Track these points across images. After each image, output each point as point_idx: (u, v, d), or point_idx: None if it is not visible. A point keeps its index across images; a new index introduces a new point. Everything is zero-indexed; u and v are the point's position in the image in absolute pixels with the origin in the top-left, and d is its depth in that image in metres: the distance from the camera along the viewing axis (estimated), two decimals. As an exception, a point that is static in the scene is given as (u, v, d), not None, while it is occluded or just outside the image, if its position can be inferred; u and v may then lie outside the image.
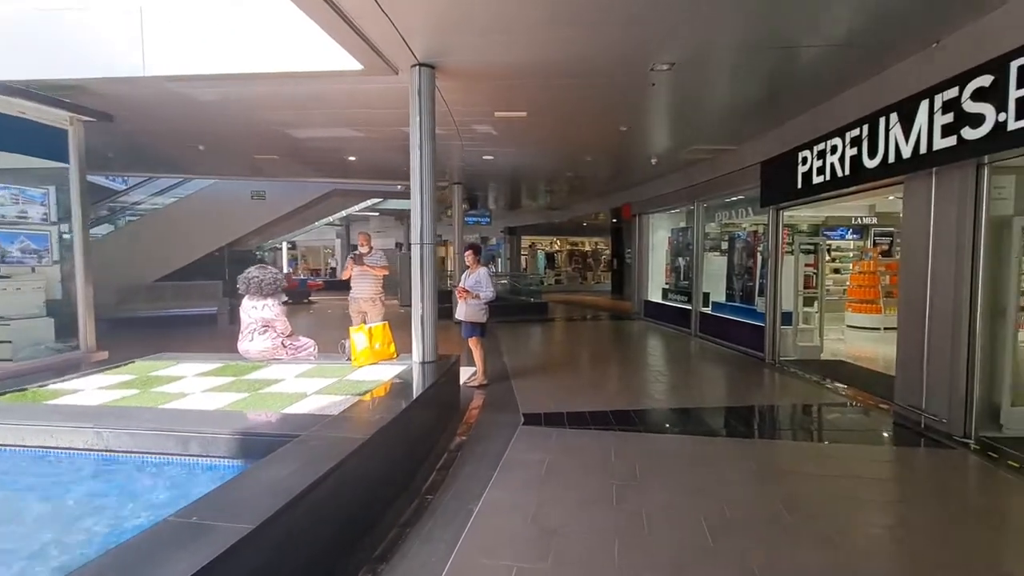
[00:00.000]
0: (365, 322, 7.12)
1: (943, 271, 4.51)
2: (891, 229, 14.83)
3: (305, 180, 11.71)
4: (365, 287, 7.62)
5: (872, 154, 4.99)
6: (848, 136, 5.33)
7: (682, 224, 12.32)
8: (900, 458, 4.20)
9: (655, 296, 12.74)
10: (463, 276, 6.45)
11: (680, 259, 11.66)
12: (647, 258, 13.05)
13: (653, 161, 9.55)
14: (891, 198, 12.66)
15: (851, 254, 14.70)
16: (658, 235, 12.96)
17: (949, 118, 4.03)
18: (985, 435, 4.33)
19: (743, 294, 9.23)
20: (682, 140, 8.22)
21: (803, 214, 12.16)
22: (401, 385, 4.38)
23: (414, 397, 3.96)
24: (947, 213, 4.45)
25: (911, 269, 4.91)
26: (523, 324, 12.30)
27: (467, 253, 6.37)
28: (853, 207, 14.13)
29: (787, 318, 7.76)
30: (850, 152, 5.31)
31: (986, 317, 4.28)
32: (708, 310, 10.14)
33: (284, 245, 34.04)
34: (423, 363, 4.99)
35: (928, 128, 4.26)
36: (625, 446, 4.23)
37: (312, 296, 18.28)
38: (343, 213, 18.20)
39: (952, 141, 4.02)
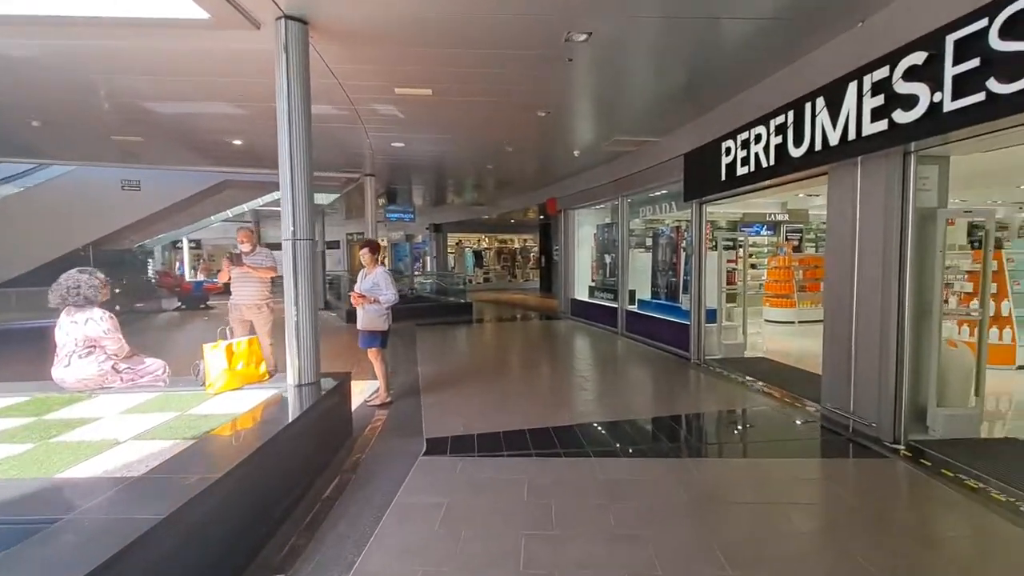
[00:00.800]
0: (252, 333, 6.07)
1: (870, 266, 4.26)
2: (801, 225, 15.50)
3: (190, 168, 10.19)
4: (247, 292, 6.51)
5: (798, 142, 4.68)
6: (773, 124, 5.02)
7: (607, 220, 12.03)
8: (834, 474, 3.86)
9: (582, 294, 12.39)
10: (360, 277, 5.57)
11: (606, 256, 11.34)
12: (573, 255, 12.68)
13: (576, 153, 9.08)
14: (801, 195, 13.14)
15: (765, 250, 15.22)
16: (584, 231, 12.61)
17: (879, 100, 3.73)
18: (914, 439, 4.11)
19: (668, 291, 8.99)
20: (604, 130, 7.77)
21: (721, 210, 12.24)
22: (261, 419, 3.48)
23: (272, 435, 3.09)
24: (874, 205, 4.19)
25: (837, 265, 4.65)
26: (445, 327, 11.50)
27: (362, 251, 5.49)
28: (766, 204, 14.61)
29: (711, 315, 7.54)
30: (775, 141, 5.00)
31: (914, 315, 4.05)
32: (634, 308, 9.86)
33: (186, 243, 30.94)
34: (300, 386, 4.09)
35: (857, 112, 3.95)
36: (542, 476, 3.59)
37: (211, 300, 16.38)
38: (244, 208, 16.44)
39: (883, 125, 3.72)
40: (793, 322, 10.95)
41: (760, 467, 3.92)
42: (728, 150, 5.89)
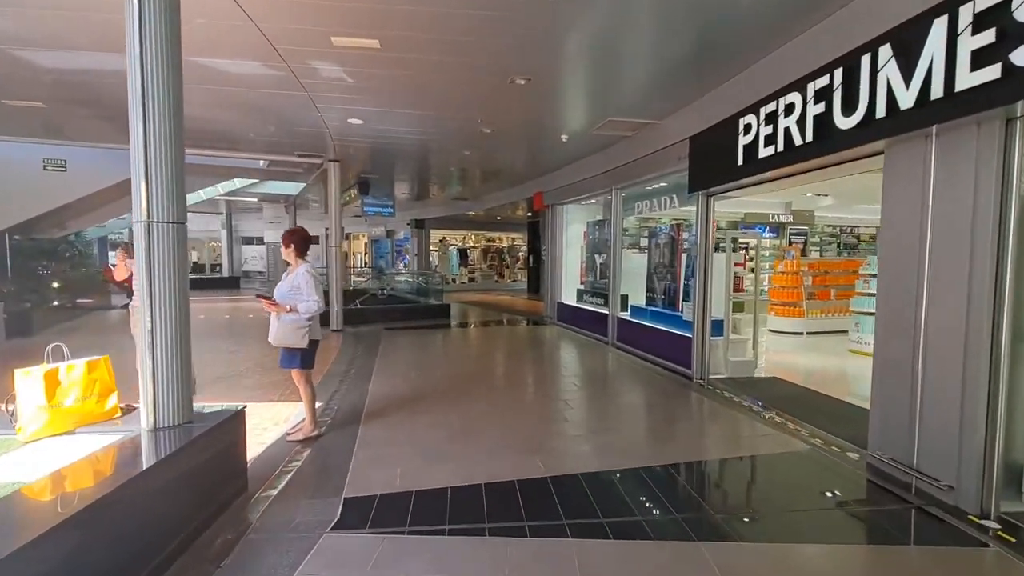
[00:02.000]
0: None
1: (948, 273, 3.15)
2: (806, 228, 14.50)
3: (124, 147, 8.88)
4: (154, 291, 5.30)
5: (848, 108, 3.57)
6: (812, 88, 3.91)
7: (599, 216, 10.90)
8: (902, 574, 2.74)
9: (569, 298, 11.25)
10: (284, 277, 4.38)
11: (596, 256, 10.21)
12: (560, 255, 11.54)
13: (564, 138, 7.93)
14: (809, 194, 12.11)
15: (767, 253, 14.20)
16: (573, 229, 11.48)
17: (987, 37, 2.62)
18: (1008, 511, 3.01)
19: (665, 298, 7.87)
20: (596, 109, 6.64)
21: (722, 209, 11.13)
22: (83, 480, 2.29)
23: (90, 503, 1.90)
24: (957, 191, 3.08)
25: (895, 270, 3.54)
26: (417, 331, 10.31)
27: (283, 242, 4.29)
28: (769, 204, 13.58)
29: (717, 327, 6.44)
30: (814, 110, 3.89)
31: (1013, 339, 2.95)
32: (627, 315, 8.74)
33: (154, 236, 29.37)
34: (155, 430, 2.89)
35: (946, 59, 2.84)
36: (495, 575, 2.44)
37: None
38: (203, 196, 15.10)
39: (991, 73, 2.61)
40: (801, 333, 9.90)
41: (797, 558, 2.79)
42: (748, 127, 4.78)
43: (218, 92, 5.95)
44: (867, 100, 3.40)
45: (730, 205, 10.62)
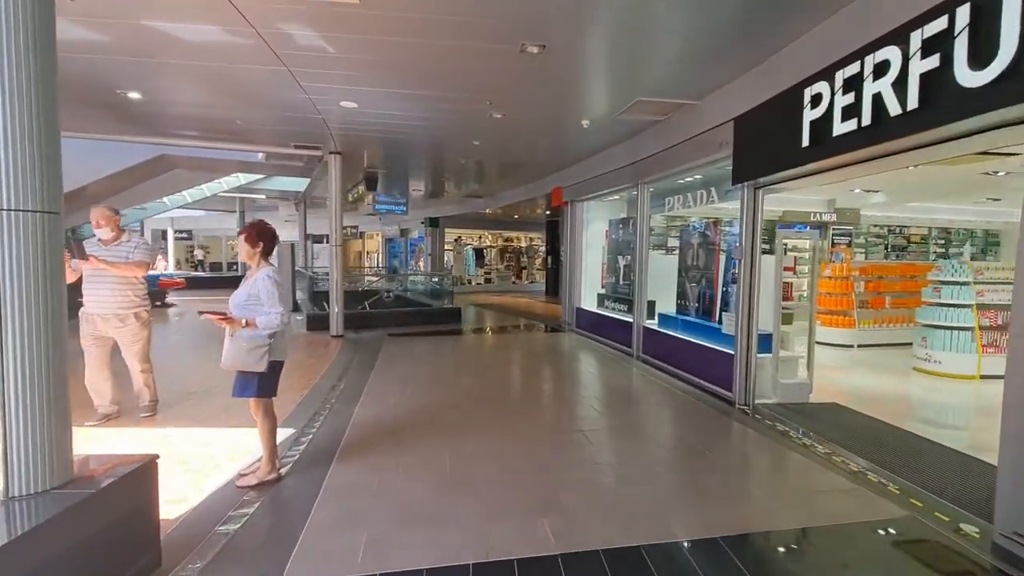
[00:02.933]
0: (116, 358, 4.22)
1: None
2: (851, 227, 13.26)
3: (117, 139, 8.29)
4: (104, 296, 4.58)
5: (980, 59, 2.59)
6: (918, 38, 2.93)
7: (622, 214, 9.95)
8: None
9: (589, 303, 10.31)
10: (242, 283, 3.57)
11: (620, 258, 9.26)
12: (580, 256, 10.60)
13: (585, 124, 7.00)
14: (856, 190, 10.93)
15: (805, 255, 13.01)
16: (594, 228, 10.54)
17: None
18: None
19: (700, 306, 6.89)
20: (623, 89, 5.71)
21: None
22: None
23: None
24: None
25: (1043, 284, 2.55)
26: (422, 338, 9.50)
27: (241, 236, 3.48)
28: (810, 201, 12.40)
29: (763, 343, 5.45)
30: (921, 66, 2.91)
31: None
32: (654, 324, 7.77)
33: (171, 233, 29.34)
34: (8, 501, 2.08)
35: None
36: None
37: (170, 297, 14.57)
38: (207, 192, 14.57)
39: None
40: (851, 346, 8.79)
41: None
42: (816, 99, 3.80)
43: (186, 67, 5.20)
44: (1015, 44, 2.41)
45: (767, 203, 9.54)
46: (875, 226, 13.71)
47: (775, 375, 5.47)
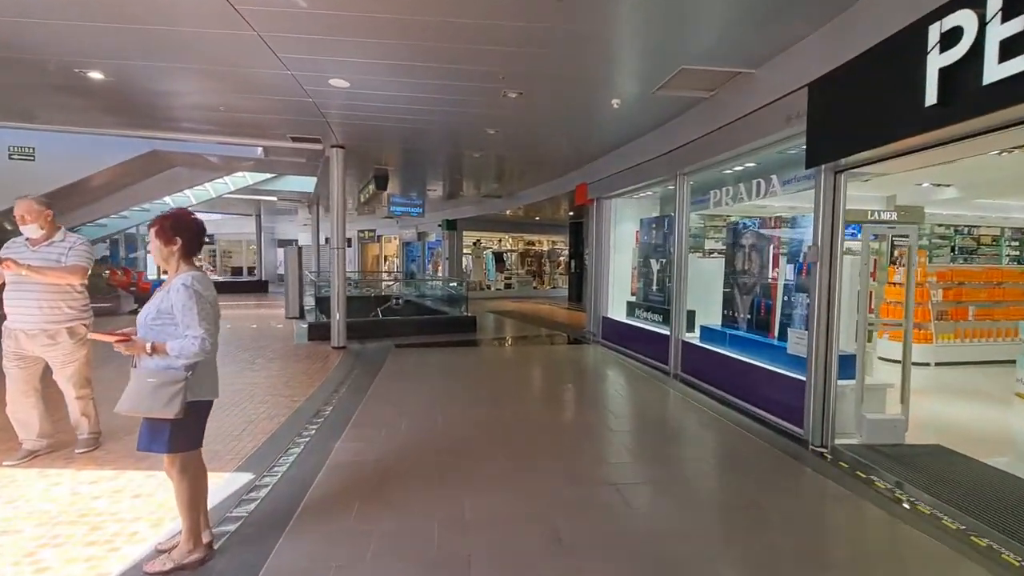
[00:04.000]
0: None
1: None
2: (915, 226, 11.86)
3: (102, 133, 7.64)
4: (29, 307, 3.76)
5: None
6: None
7: (655, 212, 8.87)
8: None
9: (617, 312, 9.24)
10: (155, 292, 2.65)
11: (653, 262, 8.18)
12: (607, 259, 9.54)
13: (615, 103, 5.97)
14: (925, 184, 9.60)
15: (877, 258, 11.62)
16: (623, 228, 9.47)
17: None
18: None
19: (752, 318, 5.79)
20: (662, 54, 4.68)
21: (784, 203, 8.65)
22: None
23: None
24: None
25: None
26: (432, 350, 8.58)
27: (151, 231, 2.56)
28: (865, 198, 11.08)
29: (846, 366, 4.34)
30: None
31: None
32: (694, 338, 6.68)
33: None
34: None
35: None
36: None
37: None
38: (212, 192, 13.99)
39: None
40: (928, 364, 7.51)
41: None
42: (952, 35, 2.71)
43: (142, 35, 4.39)
44: None
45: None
46: (939, 225, 12.26)
47: (859, 408, 4.34)
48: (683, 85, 5.31)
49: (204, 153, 9.08)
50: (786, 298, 5.29)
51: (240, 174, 12.81)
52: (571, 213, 16.91)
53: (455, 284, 13.07)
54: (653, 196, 8.88)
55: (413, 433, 4.52)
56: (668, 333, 7.12)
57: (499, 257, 22.03)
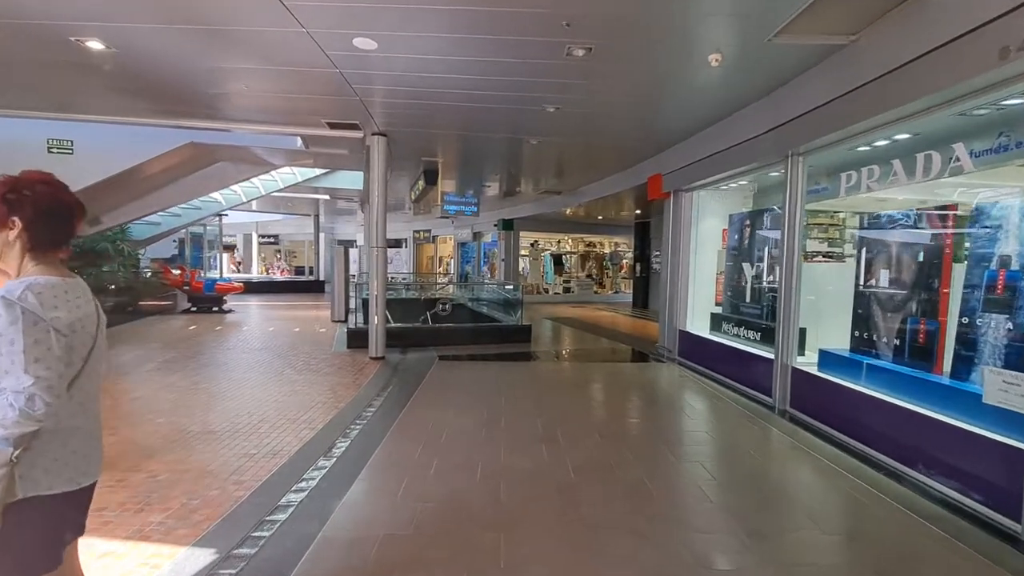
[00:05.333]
0: None
1: None
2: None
3: (131, 122, 7.17)
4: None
5: None
6: None
7: (746, 207, 7.35)
8: None
9: (699, 325, 7.77)
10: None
11: (748, 266, 6.69)
12: (687, 262, 8.07)
13: (714, 60, 4.59)
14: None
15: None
16: (707, 226, 7.98)
17: None
18: None
19: (907, 346, 4.24)
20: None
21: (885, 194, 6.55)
22: None
23: None
24: None
25: None
26: (478, 365, 7.51)
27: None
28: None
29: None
30: None
31: None
32: (810, 365, 5.17)
33: (255, 238, 30.08)
34: None
35: None
36: None
37: (228, 303, 13.83)
38: (261, 189, 13.66)
39: None
40: None
41: None
42: None
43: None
44: None
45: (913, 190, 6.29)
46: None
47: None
48: (813, 27, 3.90)
49: (242, 145, 8.51)
50: (965, 320, 3.73)
51: (289, 171, 12.38)
52: (638, 211, 15.41)
53: (511, 288, 11.95)
54: (744, 187, 7.36)
55: (443, 488, 3.41)
56: (770, 356, 5.64)
57: (558, 259, 20.77)
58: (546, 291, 20.03)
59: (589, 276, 21.14)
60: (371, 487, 3.45)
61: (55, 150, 7.44)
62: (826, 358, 5.03)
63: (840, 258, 5.82)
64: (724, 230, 7.70)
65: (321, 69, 5.06)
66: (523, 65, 4.88)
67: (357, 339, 8.35)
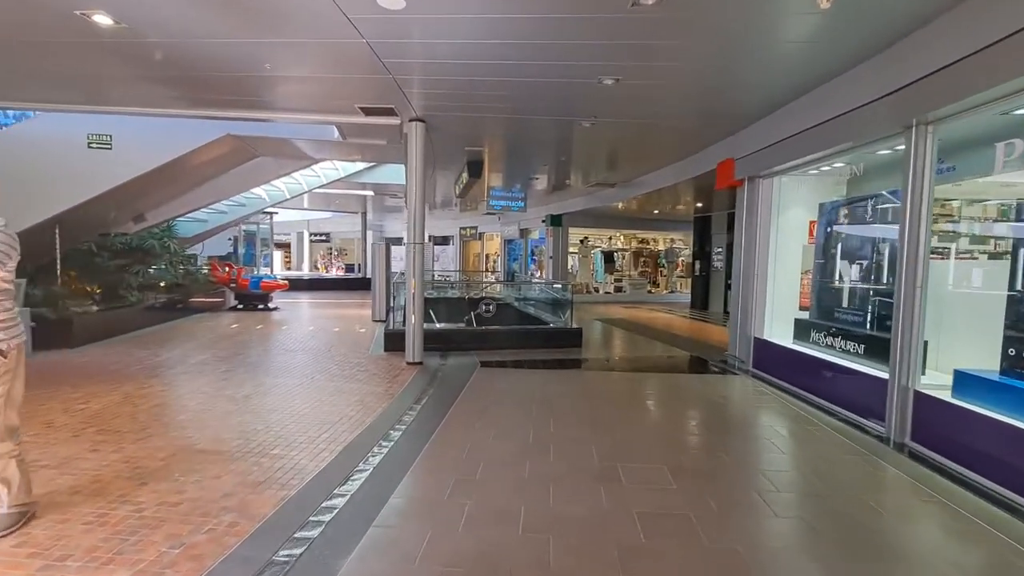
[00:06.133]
0: None
1: None
2: None
3: (170, 113, 6.90)
4: None
5: None
6: None
7: (837, 195, 6.22)
8: None
9: (780, 333, 6.70)
10: None
11: (850, 265, 5.60)
12: (765, 260, 6.99)
13: (824, 2, 3.61)
14: None
15: None
16: (790, 217, 6.88)
17: None
18: None
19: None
20: None
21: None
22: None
23: None
24: None
25: None
26: (523, 373, 6.77)
27: None
28: None
29: None
30: None
31: None
32: (940, 389, 4.10)
33: (306, 236, 30.62)
34: None
35: None
36: None
37: (273, 301, 13.76)
38: (303, 184, 13.44)
39: None
40: None
41: None
42: None
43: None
44: None
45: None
46: None
47: None
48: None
49: (280, 137, 8.14)
50: None
51: (331, 166, 12.08)
52: (699, 204, 14.20)
53: (559, 287, 11.14)
54: (837, 172, 6.23)
55: (475, 544, 2.69)
56: (881, 375, 4.59)
57: (608, 256, 19.72)
58: (596, 290, 19.06)
59: (642, 274, 19.97)
60: (387, 540, 2.78)
61: (95, 145, 7.30)
62: (965, 381, 3.95)
63: (973, 255, 4.68)
64: (812, 222, 6.59)
65: (346, 40, 4.45)
66: (579, 23, 4.08)
67: (394, 341, 7.81)
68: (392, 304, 11.06)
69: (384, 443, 4.16)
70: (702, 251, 15.78)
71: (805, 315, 6.41)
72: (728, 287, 14.00)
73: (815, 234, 6.34)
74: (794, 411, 5.29)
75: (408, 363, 7.08)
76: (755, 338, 6.99)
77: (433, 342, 7.80)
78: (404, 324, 7.40)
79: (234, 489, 3.30)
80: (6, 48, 4.89)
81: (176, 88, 6.03)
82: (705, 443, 4.55)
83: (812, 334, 6.02)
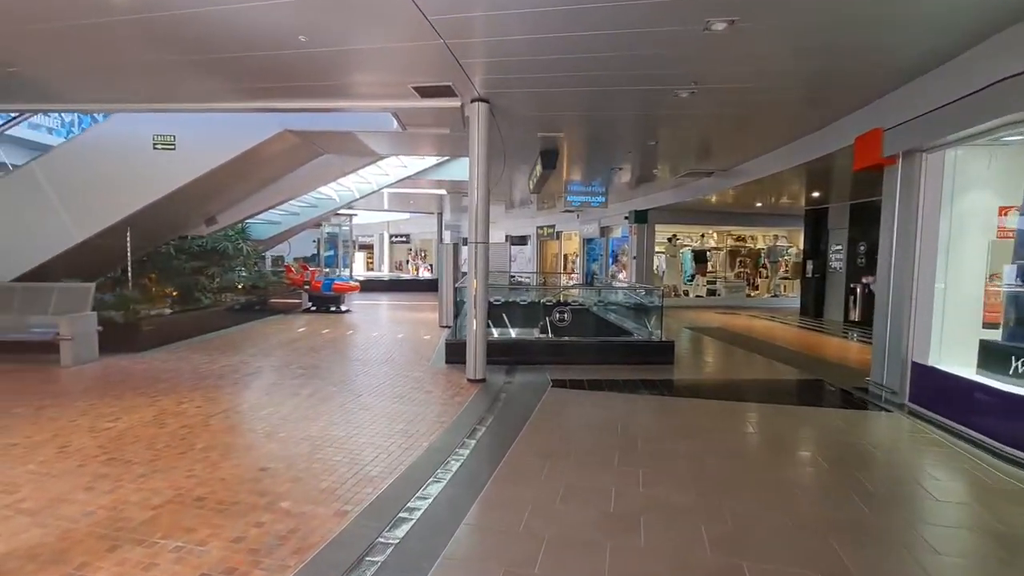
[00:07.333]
0: None
1: None
2: None
3: (225, 107, 6.56)
4: None
5: None
6: None
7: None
8: None
9: (954, 357, 4.98)
10: None
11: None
12: (930, 260, 5.27)
13: None
14: None
15: None
16: (971, 200, 5.11)
17: None
18: None
19: None
20: None
21: None
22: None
23: None
24: None
25: None
26: (603, 397, 5.61)
27: None
28: None
29: None
30: None
31: None
32: None
33: (386, 237, 31.11)
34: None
35: None
36: None
37: (345, 304, 13.57)
38: (372, 184, 13.01)
39: None
40: None
41: None
42: None
43: None
44: None
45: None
46: None
47: None
48: None
49: (339, 131, 7.62)
50: None
51: (399, 163, 11.59)
52: (815, 194, 12.09)
53: (646, 293, 9.77)
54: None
55: None
56: None
57: (700, 256, 17.78)
58: (685, 293, 17.24)
59: (739, 276, 17.82)
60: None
61: (160, 146, 7.15)
62: None
63: None
64: (1003, 209, 4.83)
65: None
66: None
67: (456, 352, 6.96)
68: (457, 311, 10.32)
69: (423, 494, 3.24)
70: (815, 249, 13.58)
71: (995, 334, 4.68)
72: (851, 291, 11.84)
73: (1017, 226, 4.59)
74: (986, 473, 3.71)
75: (469, 380, 6.17)
76: (914, 363, 5.30)
77: (499, 354, 6.86)
78: (466, 334, 6.52)
79: (232, 557, 2.51)
80: (54, 40, 4.59)
81: (227, 78, 5.57)
82: (863, 523, 3.14)
83: (1013, 363, 4.31)
